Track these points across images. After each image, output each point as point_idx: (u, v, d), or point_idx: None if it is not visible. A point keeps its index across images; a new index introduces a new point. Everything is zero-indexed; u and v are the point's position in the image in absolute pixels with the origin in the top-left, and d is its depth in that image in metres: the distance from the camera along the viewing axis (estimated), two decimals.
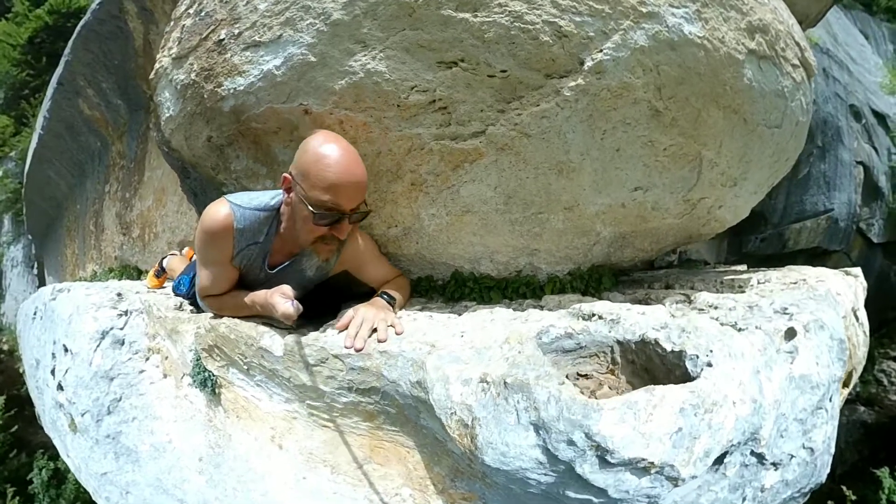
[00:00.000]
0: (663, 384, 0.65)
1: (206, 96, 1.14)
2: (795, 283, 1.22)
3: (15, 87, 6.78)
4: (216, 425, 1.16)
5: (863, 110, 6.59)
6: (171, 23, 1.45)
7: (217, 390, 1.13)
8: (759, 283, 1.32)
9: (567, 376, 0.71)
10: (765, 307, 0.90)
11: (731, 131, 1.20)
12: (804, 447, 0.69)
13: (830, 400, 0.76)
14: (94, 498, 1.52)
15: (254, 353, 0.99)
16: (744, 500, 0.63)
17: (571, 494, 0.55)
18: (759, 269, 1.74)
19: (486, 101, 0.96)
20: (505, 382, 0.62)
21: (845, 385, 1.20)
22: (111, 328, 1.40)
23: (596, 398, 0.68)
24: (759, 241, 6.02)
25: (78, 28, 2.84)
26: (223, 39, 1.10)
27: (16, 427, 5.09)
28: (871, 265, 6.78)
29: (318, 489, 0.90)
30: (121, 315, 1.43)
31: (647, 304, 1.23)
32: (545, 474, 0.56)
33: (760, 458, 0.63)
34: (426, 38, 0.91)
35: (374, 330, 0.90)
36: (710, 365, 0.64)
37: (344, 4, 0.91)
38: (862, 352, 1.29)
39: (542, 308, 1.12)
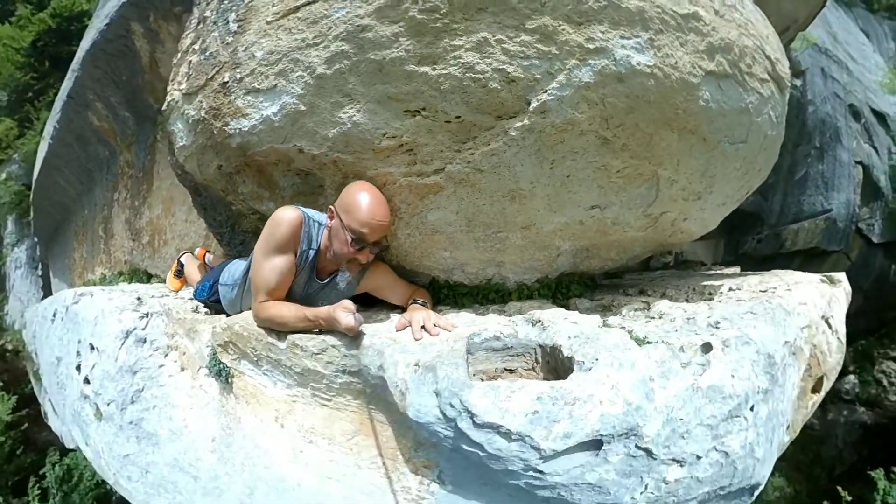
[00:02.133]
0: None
1: (215, 132, 1.31)
2: (766, 291, 1.28)
3: (18, 90, 6.90)
4: (228, 410, 1.37)
5: (862, 110, 6.58)
6: (179, 55, 1.60)
7: (230, 379, 1.34)
8: (729, 290, 1.38)
9: (495, 369, 0.93)
10: (700, 320, 1.01)
11: (688, 150, 1.23)
12: (716, 450, 0.77)
13: (752, 409, 0.82)
14: (115, 479, 1.71)
15: (263, 346, 1.19)
16: (645, 486, 0.75)
17: (465, 447, 0.77)
18: (748, 273, 1.80)
19: (444, 143, 1.11)
20: (426, 366, 0.87)
21: (815, 391, 1.28)
22: (134, 328, 1.61)
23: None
24: (757, 242, 6.05)
25: (87, 46, 3.00)
26: (227, 82, 1.24)
27: (25, 425, 5.25)
28: (871, 265, 6.79)
29: (315, 459, 1.10)
30: (142, 317, 1.64)
31: (610, 310, 1.37)
32: (445, 429, 0.79)
33: (649, 452, 0.75)
34: (394, 91, 1.05)
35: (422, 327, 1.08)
36: (588, 370, 0.80)
37: (326, 60, 1.06)
38: (835, 358, 1.34)
39: (503, 313, 1.29)
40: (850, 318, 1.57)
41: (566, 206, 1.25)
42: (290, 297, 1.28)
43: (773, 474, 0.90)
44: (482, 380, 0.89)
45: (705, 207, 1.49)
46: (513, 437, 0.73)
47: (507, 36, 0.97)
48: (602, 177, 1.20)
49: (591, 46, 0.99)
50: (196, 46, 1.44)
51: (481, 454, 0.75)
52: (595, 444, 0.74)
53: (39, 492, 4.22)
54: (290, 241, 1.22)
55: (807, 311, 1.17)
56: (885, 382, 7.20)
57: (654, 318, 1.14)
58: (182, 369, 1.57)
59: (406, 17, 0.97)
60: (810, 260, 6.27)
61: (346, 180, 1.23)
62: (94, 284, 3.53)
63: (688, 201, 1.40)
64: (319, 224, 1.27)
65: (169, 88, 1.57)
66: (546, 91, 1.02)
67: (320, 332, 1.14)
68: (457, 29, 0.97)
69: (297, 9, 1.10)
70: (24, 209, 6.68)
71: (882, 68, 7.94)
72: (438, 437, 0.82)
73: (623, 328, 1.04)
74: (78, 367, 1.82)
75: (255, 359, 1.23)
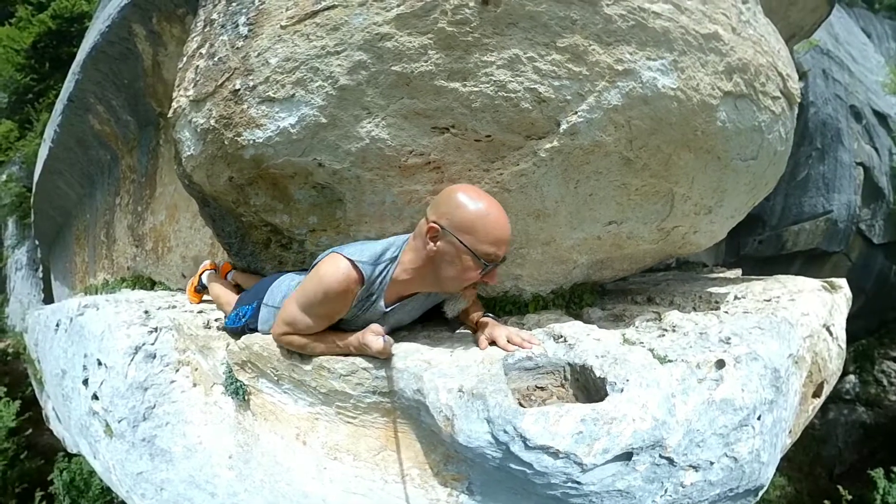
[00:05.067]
0: (594, 400, 0.89)
1: (226, 143, 1.24)
2: (769, 300, 1.32)
3: (19, 91, 6.83)
4: (245, 427, 1.34)
5: (863, 111, 6.62)
6: (184, 59, 1.53)
7: (247, 397, 1.30)
8: (735, 298, 1.40)
9: (527, 387, 0.97)
10: (712, 335, 1.05)
11: (703, 168, 1.25)
12: (727, 456, 0.85)
13: (759, 419, 0.90)
14: (128, 495, 1.68)
15: (285, 367, 1.16)
16: (665, 490, 0.81)
17: (513, 466, 0.83)
18: (751, 277, 1.81)
19: (473, 161, 1.09)
20: (473, 393, 0.90)
21: (816, 396, 1.33)
22: (143, 344, 1.57)
23: (537, 406, 0.91)
24: (758, 243, 6.11)
25: (88, 48, 2.95)
26: (239, 90, 1.17)
27: (29, 431, 5.21)
28: (871, 266, 6.85)
29: (340, 475, 1.08)
30: (151, 332, 1.61)
31: (623, 320, 1.39)
32: (495, 451, 0.84)
33: (670, 461, 0.82)
34: (421, 107, 1.02)
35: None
36: (621, 391, 0.87)
37: (349, 69, 1.01)
38: (835, 364, 1.38)
39: (522, 327, 1.28)
40: (851, 318, 1.61)
41: (585, 223, 1.27)
42: (351, 327, 1.13)
43: (774, 474, 1.00)
44: (518, 399, 0.93)
45: (715, 221, 1.53)
46: (560, 455, 0.79)
47: (538, 54, 0.97)
48: (621, 194, 1.22)
49: (620, 68, 1.00)
50: (203, 50, 1.38)
51: (528, 472, 0.81)
52: (626, 456, 0.81)
53: (45, 500, 4.19)
54: (336, 307, 1.07)
55: (809, 321, 1.22)
56: (885, 382, 7.34)
57: (667, 331, 1.17)
58: (194, 385, 1.54)
59: (435, 29, 0.94)
60: (811, 261, 6.33)
61: (367, 196, 1.19)
62: (96, 290, 3.49)
63: (699, 215, 1.43)
64: (376, 265, 1.05)
65: (175, 94, 1.50)
66: (576, 113, 1.02)
67: (348, 355, 1.10)
68: (488, 44, 0.95)
69: (314, 14, 1.05)
70: (25, 211, 6.63)
71: (883, 68, 7.92)
72: (485, 458, 0.85)
73: (643, 344, 1.08)
74: (85, 382, 1.78)
75: (276, 378, 1.20)
